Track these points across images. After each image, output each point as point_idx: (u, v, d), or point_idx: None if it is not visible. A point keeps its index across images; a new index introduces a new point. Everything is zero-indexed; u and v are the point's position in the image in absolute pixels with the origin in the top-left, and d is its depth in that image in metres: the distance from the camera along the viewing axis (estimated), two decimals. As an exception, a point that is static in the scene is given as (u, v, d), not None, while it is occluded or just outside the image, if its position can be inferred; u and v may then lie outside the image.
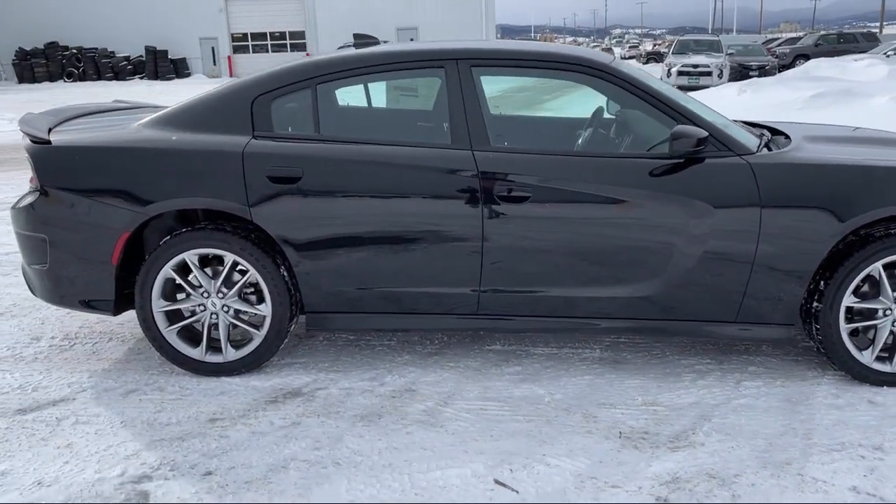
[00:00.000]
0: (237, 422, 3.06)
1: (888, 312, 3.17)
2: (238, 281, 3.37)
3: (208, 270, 3.40)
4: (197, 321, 3.43)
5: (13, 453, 2.85)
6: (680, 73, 20.04)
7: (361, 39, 3.82)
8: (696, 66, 20.21)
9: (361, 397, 3.26)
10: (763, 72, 24.46)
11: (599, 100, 4.41)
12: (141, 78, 37.56)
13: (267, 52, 39.59)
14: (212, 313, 3.39)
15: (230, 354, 3.43)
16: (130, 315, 3.60)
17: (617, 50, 74.95)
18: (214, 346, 3.45)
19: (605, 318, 3.34)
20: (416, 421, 3.06)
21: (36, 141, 3.38)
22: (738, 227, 3.13)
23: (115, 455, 2.82)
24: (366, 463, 2.77)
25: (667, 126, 3.25)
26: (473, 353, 3.69)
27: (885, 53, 25.99)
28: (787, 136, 3.66)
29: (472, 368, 3.53)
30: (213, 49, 39.37)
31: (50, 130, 3.45)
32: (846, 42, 31.04)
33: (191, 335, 3.48)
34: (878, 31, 51.66)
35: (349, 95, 4.05)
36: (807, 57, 28.70)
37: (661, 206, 3.15)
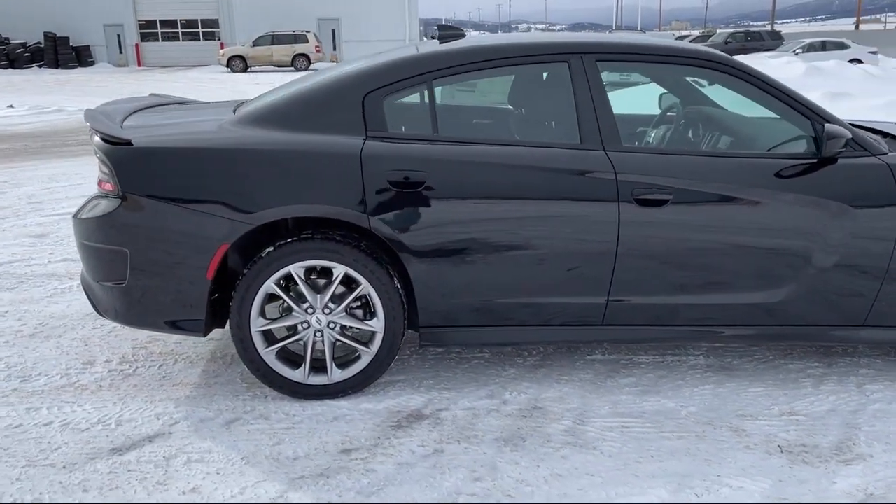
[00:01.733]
0: (374, 452, 2.77)
1: None
2: (342, 294, 3.07)
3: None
4: (298, 340, 3.10)
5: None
6: (613, 69, 20.29)
7: (447, 31, 3.54)
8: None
9: (491, 418, 3.03)
10: (684, 68, 25.18)
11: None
12: (40, 66, 35.34)
13: (178, 40, 38.01)
14: (316, 331, 3.08)
15: (336, 375, 3.12)
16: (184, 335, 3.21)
17: (527, 44, 75.88)
18: (314, 367, 3.13)
19: (731, 326, 3.22)
20: (564, 443, 2.85)
21: (111, 141, 2.96)
22: (876, 228, 3.07)
23: (258, 499, 2.49)
24: (538, 494, 2.55)
25: (796, 124, 3.16)
26: (579, 365, 3.50)
27: (793, 52, 27.28)
28: (884, 135, 3.64)
29: (586, 381, 3.34)
30: (118, 36, 37.45)
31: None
32: (754, 40, 32.45)
33: (286, 355, 3.15)
34: (769, 28, 54.39)
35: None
36: (718, 54, 29.81)
37: (797, 207, 3.05)
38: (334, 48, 35.55)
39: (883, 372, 3.44)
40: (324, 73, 3.46)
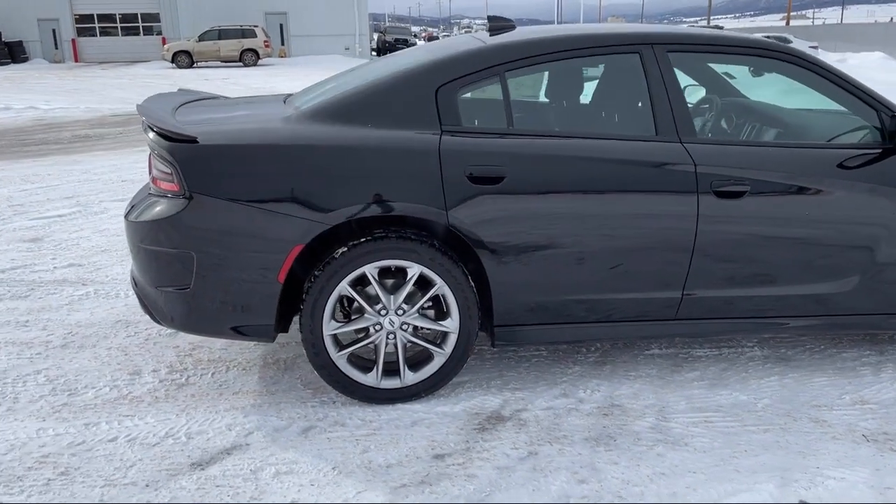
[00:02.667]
0: (469, 457, 2.68)
1: None
2: (412, 293, 2.97)
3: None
4: (370, 343, 2.99)
5: (233, 520, 2.34)
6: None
7: (497, 22, 3.45)
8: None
9: (573, 417, 2.97)
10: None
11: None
12: (-30, 62, 33.79)
13: (117, 35, 36.82)
14: (388, 333, 2.97)
15: (409, 378, 3.02)
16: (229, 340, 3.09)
17: (471, 39, 76.06)
18: (385, 370, 3.02)
19: (799, 317, 3.23)
20: (655, 440, 2.81)
21: (174, 138, 2.79)
22: None
23: (366, 511, 2.39)
24: (648, 494, 2.50)
25: (861, 115, 3.19)
26: (641, 360, 3.48)
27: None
28: None
29: (654, 377, 3.32)
30: (54, 31, 36.07)
31: None
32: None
33: (354, 359, 3.03)
34: (710, 25, 55.82)
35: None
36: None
37: (866, 196, 3.08)
38: (282, 43, 34.96)
39: (934, 358, 3.50)
40: (381, 65, 3.35)
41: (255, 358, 3.44)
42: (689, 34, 3.19)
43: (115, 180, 7.64)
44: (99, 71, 29.08)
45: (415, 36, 43.27)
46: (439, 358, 3.03)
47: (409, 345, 3.02)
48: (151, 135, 2.90)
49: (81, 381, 3.20)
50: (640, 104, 3.08)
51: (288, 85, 21.17)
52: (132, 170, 8.25)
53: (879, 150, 3.12)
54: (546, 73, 3.80)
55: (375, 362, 3.00)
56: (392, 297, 2.94)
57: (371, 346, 3.00)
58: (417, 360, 3.08)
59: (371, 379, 3.00)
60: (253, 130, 2.92)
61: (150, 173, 3.03)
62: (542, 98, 3.92)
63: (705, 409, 3.05)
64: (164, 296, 2.92)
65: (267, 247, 2.80)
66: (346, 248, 2.85)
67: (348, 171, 2.80)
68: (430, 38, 59.77)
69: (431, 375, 3.04)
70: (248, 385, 3.19)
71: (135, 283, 3.08)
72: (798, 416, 3.01)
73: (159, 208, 2.85)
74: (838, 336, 3.72)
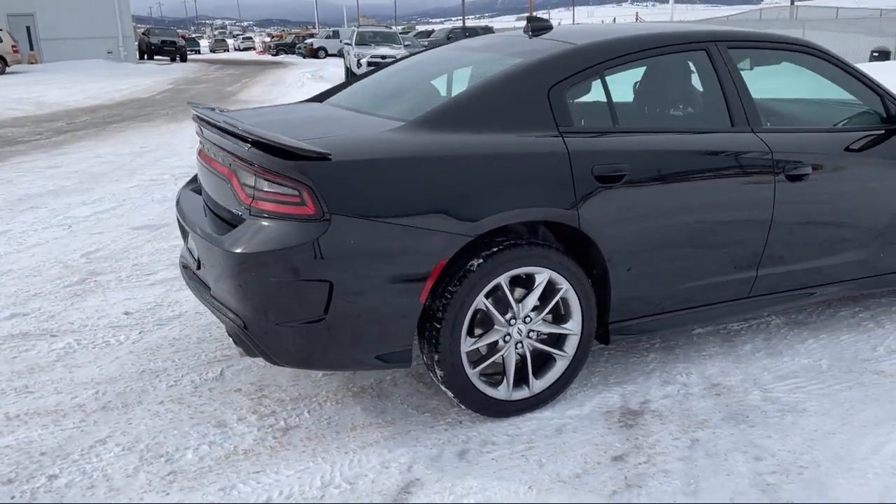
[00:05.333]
0: (645, 454, 2.69)
1: None
2: (538, 299, 2.91)
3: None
4: (500, 355, 2.88)
5: (483, 560, 2.17)
6: (370, 64, 20.84)
7: (538, 22, 3.46)
8: (384, 56, 21.20)
9: (694, 401, 3.08)
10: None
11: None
12: None
13: None
14: (517, 342, 2.89)
15: (536, 386, 2.96)
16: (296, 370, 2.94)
17: (230, 41, 73.39)
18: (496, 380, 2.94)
19: (837, 283, 3.59)
20: (779, 411, 3.01)
21: (303, 156, 2.49)
22: None
23: (605, 524, 2.32)
24: (817, 458, 2.68)
25: (867, 102, 3.61)
26: (696, 339, 3.68)
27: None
28: None
29: (721, 354, 3.53)
30: None
31: None
32: (471, 35, 34.77)
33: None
34: (461, 24, 58.78)
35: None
36: (440, 48, 31.59)
37: (887, 170, 3.51)
38: (31, 48, 31.30)
39: (911, 308, 4.07)
40: (438, 66, 3.25)
41: (336, 389, 3.16)
42: (741, 33, 3.44)
43: (-43, 212, 6.50)
44: None
45: (182, 38, 40.75)
46: (562, 362, 2.99)
47: (532, 351, 2.95)
48: (254, 151, 2.57)
49: (167, 444, 2.75)
50: (714, 98, 3.26)
51: (58, 93, 19.12)
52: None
53: (882, 132, 3.56)
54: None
55: (504, 374, 2.90)
56: (520, 305, 2.86)
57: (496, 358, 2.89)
58: (534, 367, 3.01)
59: (503, 392, 2.90)
60: (380, 144, 2.69)
61: (241, 192, 2.68)
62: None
63: (787, 377, 3.30)
64: (289, 332, 2.59)
65: (411, 265, 2.61)
66: (481, 260, 2.72)
67: (485, 179, 2.69)
68: (186, 39, 56.04)
69: (557, 380, 3.00)
70: (357, 419, 2.94)
71: (242, 324, 2.68)
72: (859, 370, 3.35)
73: (281, 233, 2.52)
74: (827, 300, 4.17)
